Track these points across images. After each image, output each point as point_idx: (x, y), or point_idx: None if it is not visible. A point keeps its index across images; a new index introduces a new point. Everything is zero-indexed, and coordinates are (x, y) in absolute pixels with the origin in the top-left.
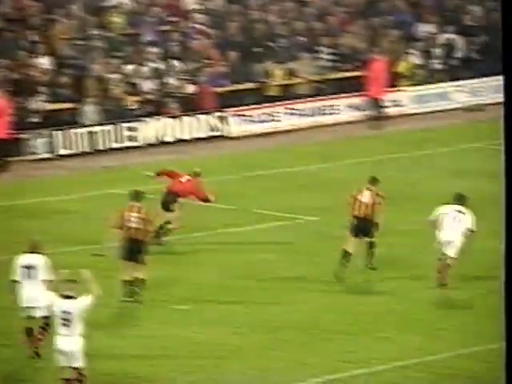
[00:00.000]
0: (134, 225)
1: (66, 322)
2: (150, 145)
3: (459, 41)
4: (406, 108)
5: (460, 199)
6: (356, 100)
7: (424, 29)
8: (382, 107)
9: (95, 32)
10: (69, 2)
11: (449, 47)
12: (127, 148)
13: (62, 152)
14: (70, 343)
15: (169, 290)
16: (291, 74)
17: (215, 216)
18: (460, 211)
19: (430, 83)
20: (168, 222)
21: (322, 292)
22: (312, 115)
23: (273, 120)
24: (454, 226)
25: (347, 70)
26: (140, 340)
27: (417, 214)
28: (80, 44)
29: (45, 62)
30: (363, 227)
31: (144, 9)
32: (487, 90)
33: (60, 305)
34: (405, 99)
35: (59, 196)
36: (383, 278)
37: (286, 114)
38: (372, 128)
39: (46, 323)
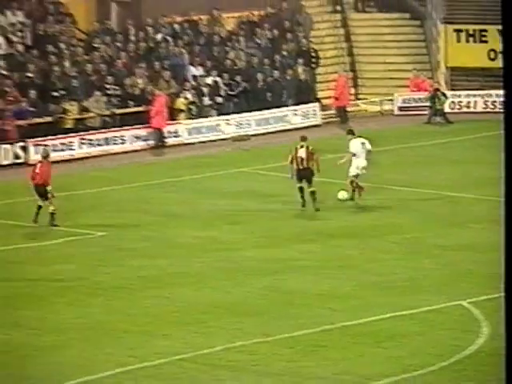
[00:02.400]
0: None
1: None
2: None
3: (223, 81)
4: (183, 138)
5: (354, 133)
6: (140, 131)
7: (195, 71)
8: (163, 137)
9: None
10: None
11: (215, 87)
12: None
13: None
14: None
15: None
16: (84, 109)
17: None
18: (362, 142)
19: (202, 117)
20: None
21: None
22: (102, 145)
23: (69, 149)
24: (362, 152)
25: (133, 106)
26: None
27: (191, 228)
28: None
29: None
30: (304, 174)
31: None
32: (251, 122)
33: None
34: (182, 130)
35: None
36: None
37: (79, 143)
38: (154, 155)
39: None
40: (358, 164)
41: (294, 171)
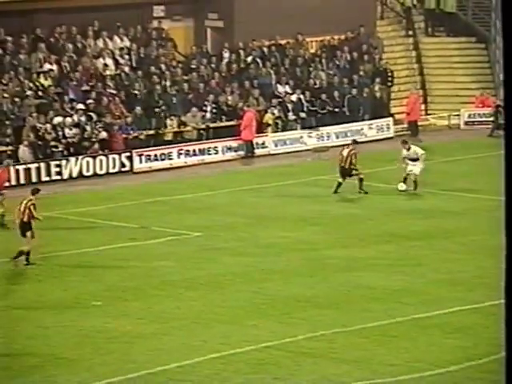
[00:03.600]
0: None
1: None
2: (71, 178)
3: (305, 98)
4: (270, 149)
5: (407, 142)
6: (232, 143)
7: (281, 89)
8: (252, 148)
9: (30, 92)
10: (11, 68)
11: (299, 103)
12: (53, 181)
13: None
14: None
15: None
16: (182, 123)
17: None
18: (415, 150)
19: (287, 130)
20: None
21: (209, 289)
22: (198, 155)
23: (168, 158)
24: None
25: (225, 120)
26: None
27: (277, 229)
28: (18, 101)
29: None
30: (345, 171)
31: (67, 74)
32: (331, 135)
33: None
34: (268, 142)
35: None
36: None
37: (178, 153)
38: (244, 164)
39: None
40: (418, 166)
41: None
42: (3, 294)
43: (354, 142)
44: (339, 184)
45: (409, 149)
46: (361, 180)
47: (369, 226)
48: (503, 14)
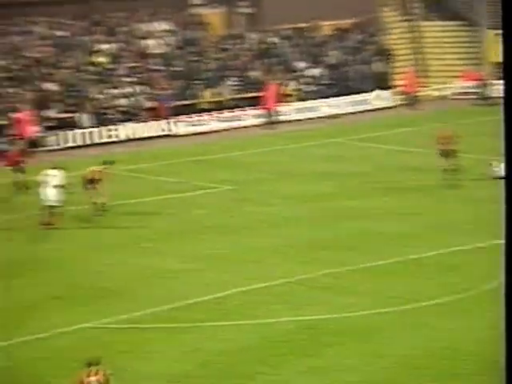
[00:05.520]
0: None
1: None
2: (124, 140)
3: (321, 73)
4: (290, 116)
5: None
6: (257, 111)
7: (300, 65)
8: (274, 116)
9: (88, 67)
10: (73, 48)
11: (315, 77)
12: (109, 143)
13: (68, 145)
14: None
15: None
16: (216, 94)
17: (166, 185)
18: None
19: (304, 100)
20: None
21: (239, 234)
22: (229, 121)
23: (204, 124)
24: None
25: (251, 92)
26: None
27: (297, 183)
28: (79, 75)
29: (56, 87)
30: (446, 153)
31: (119, 52)
32: (343, 104)
33: None
34: (289, 110)
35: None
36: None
37: (213, 120)
38: (268, 129)
39: None
40: None
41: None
42: (72, 236)
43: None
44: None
45: None
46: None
47: (372, 179)
48: (504, 14)
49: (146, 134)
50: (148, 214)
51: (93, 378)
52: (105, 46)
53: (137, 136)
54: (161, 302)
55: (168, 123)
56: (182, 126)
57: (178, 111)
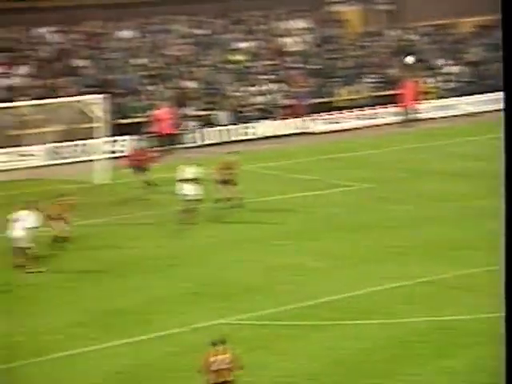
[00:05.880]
0: None
1: None
2: (260, 138)
3: (462, 70)
4: (428, 114)
5: None
6: (394, 109)
7: (439, 62)
8: (412, 114)
9: (227, 65)
10: (212, 46)
11: (455, 74)
12: (245, 140)
13: (205, 142)
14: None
15: None
16: (352, 92)
17: (303, 184)
18: None
19: (443, 98)
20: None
21: (374, 232)
22: (366, 119)
23: (341, 122)
24: None
25: (388, 89)
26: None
27: (437, 182)
28: (217, 73)
29: (195, 85)
30: None
31: (257, 50)
32: (482, 102)
33: None
34: (427, 108)
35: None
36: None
37: (349, 118)
38: (405, 127)
39: None
40: None
41: None
42: (208, 232)
43: None
44: None
45: None
46: None
47: None
48: (503, 15)
49: (282, 132)
50: (283, 211)
51: (220, 357)
52: (243, 45)
53: (273, 134)
54: (294, 300)
55: (304, 121)
56: (318, 123)
57: (315, 109)
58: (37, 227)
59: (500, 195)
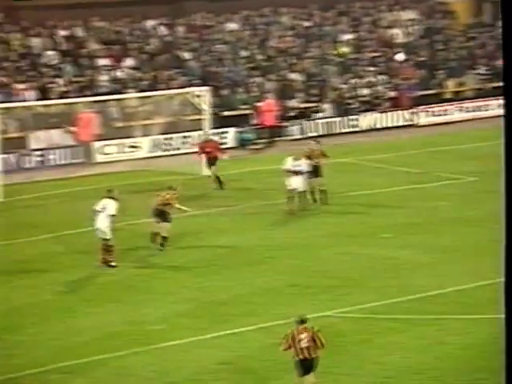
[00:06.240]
0: None
1: None
2: (365, 130)
3: None
4: None
5: None
6: (503, 101)
7: None
8: None
9: (332, 57)
10: (317, 37)
11: None
12: (350, 133)
13: (309, 134)
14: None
15: None
16: (460, 84)
17: (408, 176)
18: None
19: None
20: None
21: (481, 226)
22: (473, 111)
23: (448, 114)
24: None
25: (496, 81)
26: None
27: None
28: (321, 65)
29: (299, 77)
30: None
31: (362, 42)
32: None
33: None
34: None
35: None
36: None
37: (456, 110)
38: None
39: None
40: None
41: None
42: (310, 224)
43: None
44: None
45: None
46: None
47: None
48: (503, 15)
49: (387, 124)
50: (387, 204)
51: (303, 336)
52: (348, 36)
53: (378, 126)
54: (398, 293)
55: (410, 113)
56: (424, 116)
57: (421, 101)
58: (114, 215)
59: None
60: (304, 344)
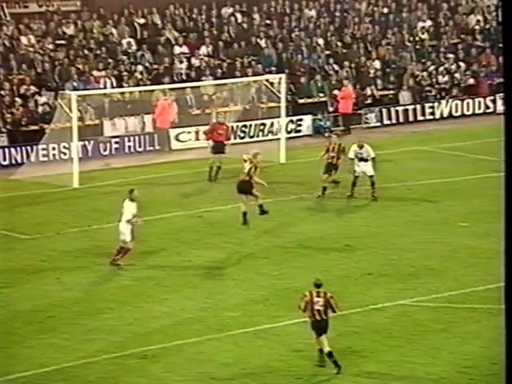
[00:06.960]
0: None
1: None
2: (443, 118)
3: None
4: None
5: None
6: None
7: None
8: None
9: (410, 44)
10: (394, 25)
11: None
12: (428, 120)
13: (386, 122)
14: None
15: None
16: None
17: (486, 165)
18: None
19: None
20: None
21: None
22: None
23: None
24: None
25: None
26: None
27: None
28: (400, 52)
29: (376, 64)
30: None
31: (441, 28)
32: None
33: None
34: None
35: (383, 151)
36: None
37: None
38: None
39: None
40: None
41: None
42: (383, 211)
43: None
44: None
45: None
46: None
47: None
48: (503, 15)
49: (466, 112)
50: (466, 192)
51: (318, 299)
52: (427, 23)
53: (456, 114)
54: (475, 283)
55: (490, 101)
56: (501, 103)
57: (500, 88)
58: (129, 220)
59: None
60: (319, 307)
